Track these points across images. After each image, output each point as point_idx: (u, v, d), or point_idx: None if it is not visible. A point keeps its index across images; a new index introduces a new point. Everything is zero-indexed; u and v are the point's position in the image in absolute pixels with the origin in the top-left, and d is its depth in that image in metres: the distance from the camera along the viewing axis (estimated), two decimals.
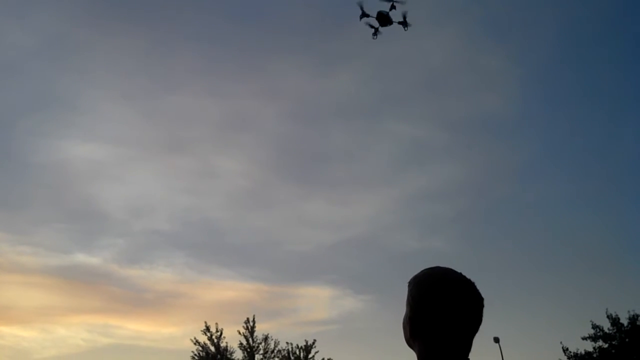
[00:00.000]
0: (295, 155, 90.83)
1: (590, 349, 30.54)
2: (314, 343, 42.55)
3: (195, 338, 41.73)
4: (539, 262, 79.42)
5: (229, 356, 41.61)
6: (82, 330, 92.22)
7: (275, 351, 42.36)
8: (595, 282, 73.60)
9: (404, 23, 29.49)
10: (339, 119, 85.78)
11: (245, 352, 41.89)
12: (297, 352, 42.32)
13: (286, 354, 42.30)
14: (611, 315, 30.58)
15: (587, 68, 77.85)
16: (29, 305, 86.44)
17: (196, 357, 41.51)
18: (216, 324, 42.15)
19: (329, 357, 42.37)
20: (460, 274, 2.01)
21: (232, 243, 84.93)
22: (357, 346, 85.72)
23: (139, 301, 79.69)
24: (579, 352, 30.47)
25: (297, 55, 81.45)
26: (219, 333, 41.92)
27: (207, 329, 41.86)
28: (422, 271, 2.04)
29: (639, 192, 77.32)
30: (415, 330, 1.98)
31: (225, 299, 76.74)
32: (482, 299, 1.99)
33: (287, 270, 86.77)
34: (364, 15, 29.57)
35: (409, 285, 2.04)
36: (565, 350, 30.61)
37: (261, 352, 42.18)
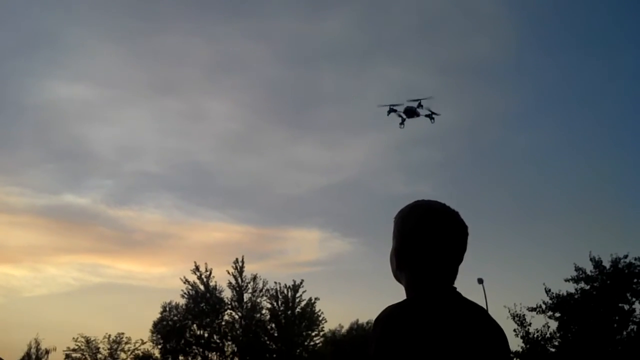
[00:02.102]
0: (285, 99, 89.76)
1: (573, 291, 31.12)
2: (301, 283, 43.31)
3: (185, 277, 42.54)
4: (525, 206, 79.88)
5: (218, 295, 42.29)
6: (73, 269, 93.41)
7: (263, 290, 43.15)
8: (580, 226, 74.54)
9: (430, 116, 32.59)
10: (330, 62, 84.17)
11: (234, 291, 42.72)
12: (285, 292, 43.05)
13: (274, 293, 43.03)
14: (594, 258, 30.73)
15: (580, 14, 76.69)
16: (19, 245, 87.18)
17: (186, 296, 42.29)
18: (205, 264, 42.86)
19: (316, 297, 43.18)
20: (444, 204, 2.05)
21: (222, 186, 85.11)
22: (345, 286, 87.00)
23: (129, 241, 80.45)
24: (561, 293, 31.05)
25: None
26: (208, 273, 42.69)
27: (197, 268, 42.62)
28: (407, 205, 2.09)
29: (626, 139, 77.63)
30: (402, 261, 2.01)
31: (214, 240, 77.46)
32: (466, 228, 2.02)
33: (276, 213, 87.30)
34: (392, 110, 32.94)
35: (394, 220, 2.09)
36: (547, 291, 31.01)
37: (250, 291, 43.08)
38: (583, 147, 76.95)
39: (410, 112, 33.15)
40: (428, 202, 2.07)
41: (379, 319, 1.82)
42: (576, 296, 30.69)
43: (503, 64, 77.03)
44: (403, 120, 33.30)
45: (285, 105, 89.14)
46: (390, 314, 1.82)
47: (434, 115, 32.63)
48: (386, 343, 1.74)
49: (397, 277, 2.07)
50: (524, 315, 31.06)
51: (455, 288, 1.98)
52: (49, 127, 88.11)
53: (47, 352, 77.76)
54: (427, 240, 1.97)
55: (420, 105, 32.75)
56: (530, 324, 31.11)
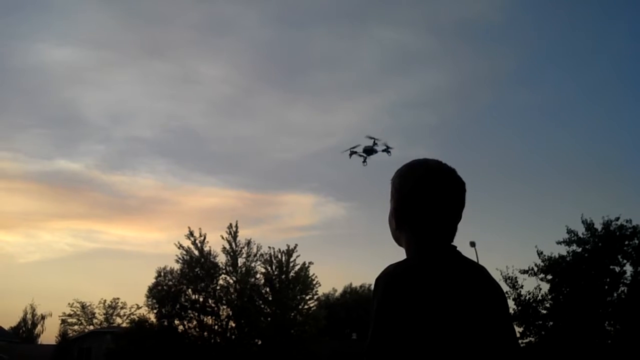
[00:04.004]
0: (278, 62, 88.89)
1: (564, 253, 31.35)
2: (295, 247, 43.47)
3: (179, 242, 42.69)
4: (518, 169, 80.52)
5: (212, 260, 42.52)
6: (67, 235, 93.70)
7: (257, 255, 43.35)
8: (572, 188, 75.15)
9: (387, 150, 37.87)
10: (322, 24, 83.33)
11: (229, 256, 42.95)
12: (279, 256, 43.28)
13: (268, 258, 43.26)
14: (586, 220, 30.89)
15: None
16: (12, 211, 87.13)
17: (180, 261, 42.49)
18: (199, 229, 42.92)
19: (309, 261, 43.45)
20: (441, 162, 2.04)
21: (215, 150, 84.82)
22: (338, 251, 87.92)
23: (123, 207, 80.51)
24: (553, 255, 31.27)
25: None
26: (202, 238, 42.80)
27: (191, 233, 42.70)
28: (404, 165, 2.09)
29: (619, 100, 77.51)
30: (401, 221, 2.01)
31: (208, 205, 77.54)
32: (463, 184, 2.02)
33: (270, 178, 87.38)
34: (353, 153, 38.18)
35: (392, 181, 2.08)
36: (539, 254, 31.26)
37: (244, 256, 43.27)
38: (575, 108, 76.94)
39: (369, 151, 37.89)
40: (425, 161, 2.06)
41: (379, 278, 1.81)
42: (568, 258, 30.97)
43: (496, 24, 76.31)
44: (365, 159, 38.37)
45: (278, 69, 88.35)
46: (390, 274, 1.81)
47: (389, 149, 38.04)
48: (386, 302, 1.74)
49: (397, 238, 2.07)
50: (515, 277, 31.45)
51: (456, 247, 1.97)
52: (39, 91, 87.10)
53: (42, 317, 78.74)
54: (426, 198, 1.97)
55: (375, 143, 37.81)
56: (522, 287, 31.54)
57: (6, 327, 72.19)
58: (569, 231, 31.31)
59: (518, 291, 31.31)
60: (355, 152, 38.05)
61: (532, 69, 79.93)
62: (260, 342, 41.87)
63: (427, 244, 1.94)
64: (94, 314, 64.92)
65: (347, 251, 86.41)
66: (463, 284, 1.81)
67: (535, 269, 31.57)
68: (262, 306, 42.60)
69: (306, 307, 43.31)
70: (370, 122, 78.82)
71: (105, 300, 65.30)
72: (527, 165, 77.97)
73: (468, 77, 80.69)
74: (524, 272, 31.58)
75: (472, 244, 33.27)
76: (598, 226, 30.75)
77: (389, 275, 1.80)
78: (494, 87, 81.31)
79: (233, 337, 41.42)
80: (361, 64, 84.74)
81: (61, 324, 64.21)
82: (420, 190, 1.98)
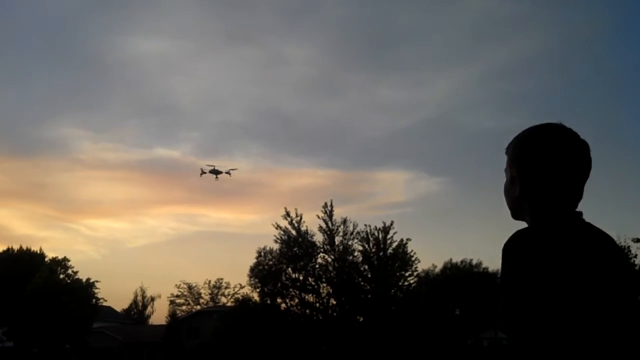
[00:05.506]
0: (364, 38, 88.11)
1: None
2: (391, 224, 43.14)
3: (276, 223, 43.49)
4: (621, 134, 75.68)
5: (310, 239, 43.00)
6: (169, 219, 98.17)
7: (354, 233, 43.37)
8: None
9: (229, 173, 54.90)
10: None
11: (325, 235, 43.22)
12: (376, 234, 43.12)
13: (365, 236, 43.21)
14: None
15: None
16: (117, 199, 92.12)
17: (279, 241, 43.23)
18: (295, 209, 43.52)
19: (407, 237, 42.98)
20: (563, 124, 1.95)
21: (305, 131, 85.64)
22: (436, 226, 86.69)
23: (220, 191, 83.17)
24: None
25: None
26: (299, 218, 43.33)
27: (287, 214, 43.36)
28: (523, 131, 2.02)
29: None
30: (525, 188, 1.93)
31: (301, 186, 78.58)
32: (587, 144, 1.94)
33: (361, 156, 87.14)
34: (203, 173, 54.83)
35: (508, 149, 2.02)
36: None
37: (340, 234, 43.40)
38: None
39: (216, 172, 54.00)
40: (548, 125, 1.97)
41: (507, 244, 1.80)
42: None
43: None
44: (216, 176, 54.60)
45: (364, 45, 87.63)
46: (515, 241, 1.80)
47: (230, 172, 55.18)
48: (515, 268, 1.75)
49: (518, 207, 1.99)
50: (629, 246, 29.91)
51: (581, 213, 1.88)
52: (135, 83, 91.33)
53: (152, 299, 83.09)
54: (554, 162, 1.89)
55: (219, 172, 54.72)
56: (635, 256, 29.97)
57: (118, 309, 76.84)
58: None
59: (632, 261, 29.74)
60: (205, 172, 53.95)
61: (631, 26, 74.54)
62: (361, 319, 42.05)
63: (553, 210, 1.87)
64: (200, 294, 67.80)
65: (445, 226, 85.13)
66: (590, 251, 1.75)
67: None
68: (362, 283, 42.71)
69: (406, 283, 43.03)
70: (460, 93, 76.67)
71: (209, 281, 68.00)
72: (629, 128, 73.16)
73: (562, 41, 76.48)
74: (637, 240, 29.96)
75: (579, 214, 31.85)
76: None
77: (516, 241, 1.79)
78: (588, 49, 76.62)
79: (334, 314, 41.86)
80: (450, 33, 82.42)
81: (170, 304, 67.55)
82: (547, 154, 1.91)
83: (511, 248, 1.79)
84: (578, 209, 1.86)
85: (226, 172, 52.84)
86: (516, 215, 2.00)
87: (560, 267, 1.72)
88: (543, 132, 1.96)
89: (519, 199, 1.96)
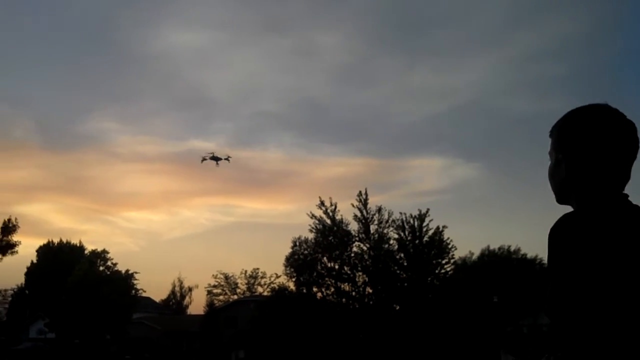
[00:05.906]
0: (395, 24, 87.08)
1: None
2: (427, 212, 42.65)
3: (311, 212, 43.44)
4: None
5: (345, 228, 42.84)
6: (205, 210, 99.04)
7: (389, 221, 43.04)
8: None
9: (227, 159, 54.42)
10: None
11: (360, 223, 43.04)
12: (412, 221, 42.70)
13: (400, 224, 42.83)
14: None
15: None
16: (154, 191, 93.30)
17: (314, 230, 43.19)
18: (330, 198, 43.35)
19: (443, 225, 42.41)
20: (608, 105, 1.91)
21: (338, 119, 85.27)
22: (473, 213, 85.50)
23: (255, 181, 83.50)
24: None
25: None
26: (333, 207, 43.19)
27: (322, 203, 43.27)
28: (567, 112, 1.97)
29: None
30: (571, 171, 1.89)
31: (335, 175, 78.32)
32: (634, 125, 1.89)
33: (395, 143, 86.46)
34: (204, 159, 54.04)
35: (552, 132, 1.99)
36: None
37: (375, 222, 43.13)
38: None
39: (216, 159, 53.58)
40: (594, 105, 1.92)
41: (553, 229, 1.77)
42: None
43: None
44: (217, 162, 54.04)
45: (396, 32, 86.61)
46: (562, 225, 1.76)
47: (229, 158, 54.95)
48: (562, 253, 1.72)
49: (564, 191, 1.95)
50: None
51: (628, 195, 1.83)
52: (169, 76, 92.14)
53: (190, 289, 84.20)
54: (601, 142, 1.85)
55: (219, 158, 54.14)
56: None
57: (157, 300, 78.06)
58: None
59: None
60: (206, 159, 53.96)
61: None
62: (398, 307, 41.79)
63: (600, 193, 1.83)
64: (236, 284, 68.36)
65: (482, 213, 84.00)
66: (638, 234, 1.70)
67: None
68: (398, 272, 42.40)
69: (443, 271, 42.55)
70: (496, 77, 75.22)
71: (246, 271, 68.48)
72: None
73: (598, 22, 74.27)
74: None
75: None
76: None
77: (563, 226, 1.75)
78: (626, 30, 74.24)
79: (371, 302, 41.68)
80: (484, 17, 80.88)
81: (207, 294, 68.26)
82: (593, 136, 1.86)
83: (558, 233, 1.76)
84: (625, 192, 1.82)
85: (225, 159, 54.24)
86: (562, 200, 1.97)
87: (609, 252, 1.68)
88: (588, 113, 1.92)
89: (564, 182, 1.94)
